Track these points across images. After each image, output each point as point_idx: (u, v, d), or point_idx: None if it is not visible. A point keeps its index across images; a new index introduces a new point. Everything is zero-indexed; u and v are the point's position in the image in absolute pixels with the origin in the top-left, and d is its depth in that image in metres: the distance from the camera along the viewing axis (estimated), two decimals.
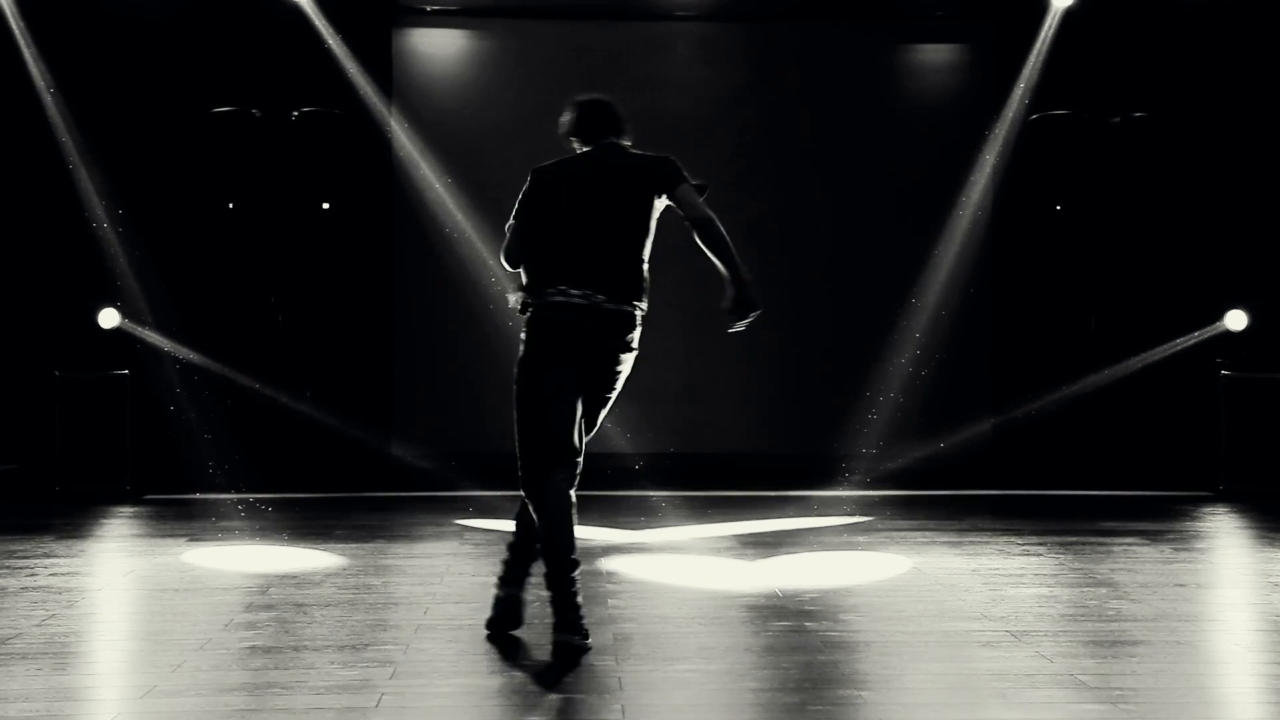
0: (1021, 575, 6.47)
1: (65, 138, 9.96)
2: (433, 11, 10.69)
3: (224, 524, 8.15)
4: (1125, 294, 10.60)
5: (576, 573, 4.86)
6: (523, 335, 4.99)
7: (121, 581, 6.47)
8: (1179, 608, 5.73)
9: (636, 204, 5.00)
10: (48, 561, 6.82)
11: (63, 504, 9.11)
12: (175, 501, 9.27)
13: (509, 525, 5.14)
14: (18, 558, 6.90)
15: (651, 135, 10.53)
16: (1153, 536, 7.73)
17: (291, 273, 10.49)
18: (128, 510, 8.91)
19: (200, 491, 9.42)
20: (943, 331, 10.47)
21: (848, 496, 9.30)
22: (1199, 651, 5.02)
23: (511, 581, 5.20)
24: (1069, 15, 10.33)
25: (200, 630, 5.22)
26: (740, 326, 5.01)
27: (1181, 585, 6.26)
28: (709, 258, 4.99)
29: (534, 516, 4.93)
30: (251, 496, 9.19)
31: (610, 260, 4.95)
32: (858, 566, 6.82)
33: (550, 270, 4.96)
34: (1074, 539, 7.59)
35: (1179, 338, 10.28)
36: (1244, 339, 10.14)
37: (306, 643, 5.02)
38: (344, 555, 7.00)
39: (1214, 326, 10.21)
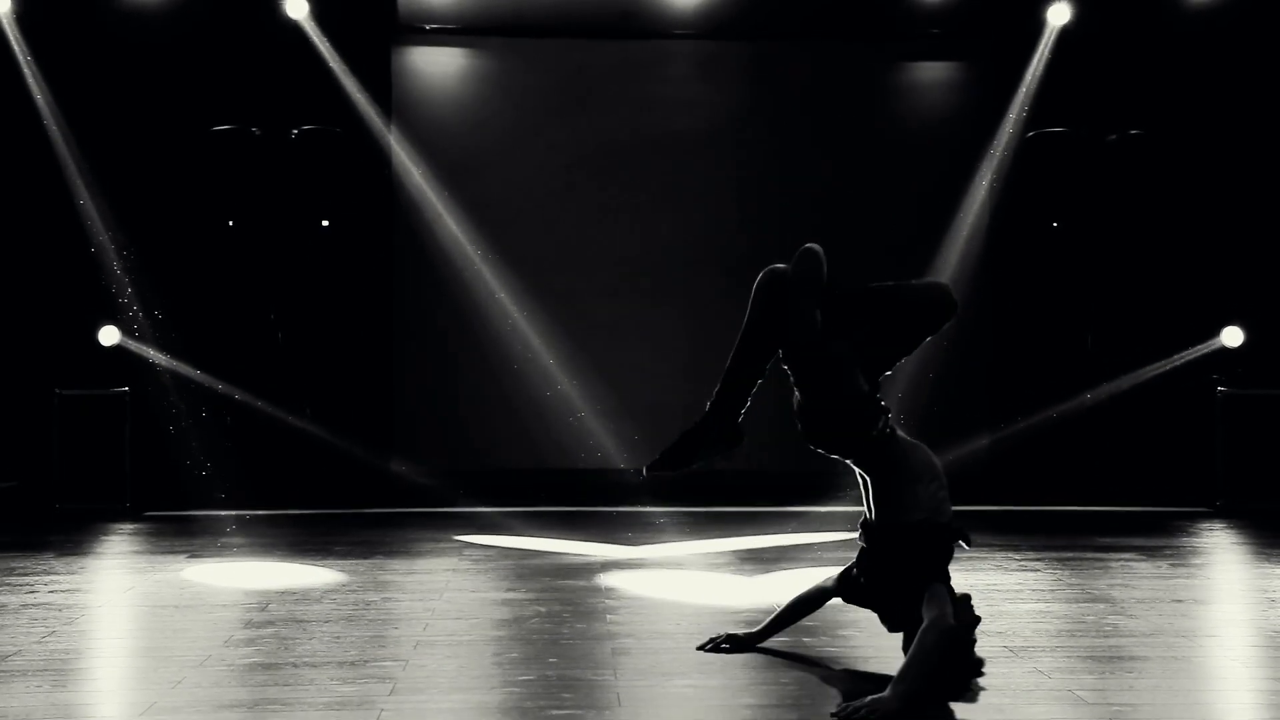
0: (1019, 591, 6.49)
1: (66, 156, 9.99)
2: (432, 30, 10.72)
3: (223, 540, 8.17)
4: (1122, 310, 10.61)
5: None
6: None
7: (121, 598, 6.48)
8: (1176, 623, 5.74)
9: None
10: (48, 578, 6.83)
11: (63, 521, 9.12)
12: (175, 518, 9.29)
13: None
14: (18, 575, 6.92)
15: (650, 153, 10.71)
16: (1150, 552, 7.75)
17: (291, 290, 10.50)
18: (127, 527, 8.92)
19: (200, 508, 9.43)
20: (940, 347, 10.48)
21: (846, 512, 9.30)
22: (1196, 667, 5.03)
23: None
24: (1065, 33, 10.37)
25: (200, 647, 5.23)
26: None
27: (1179, 600, 6.28)
28: None
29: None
30: (251, 513, 9.20)
31: None
32: None
33: None
34: (1071, 554, 7.60)
35: (1176, 354, 10.30)
36: (1240, 355, 10.17)
37: (306, 659, 5.03)
38: (343, 571, 7.02)
39: (1211, 343, 10.24)
